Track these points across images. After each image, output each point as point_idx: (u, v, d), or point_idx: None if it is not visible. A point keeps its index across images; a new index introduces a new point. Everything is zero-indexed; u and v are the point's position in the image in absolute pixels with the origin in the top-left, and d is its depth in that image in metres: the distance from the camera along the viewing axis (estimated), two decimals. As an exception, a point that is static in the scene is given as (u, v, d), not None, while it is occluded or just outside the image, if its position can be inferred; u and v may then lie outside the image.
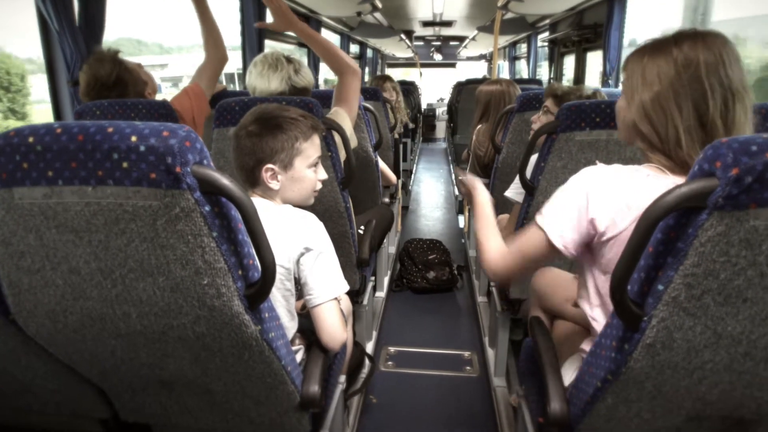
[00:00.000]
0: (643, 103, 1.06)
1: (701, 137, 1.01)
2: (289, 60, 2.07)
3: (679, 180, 1.01)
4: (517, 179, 2.04)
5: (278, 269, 1.32)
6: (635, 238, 0.83)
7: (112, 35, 2.36)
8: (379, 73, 11.50)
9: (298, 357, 1.42)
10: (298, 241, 1.34)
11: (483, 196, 1.45)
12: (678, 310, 0.84)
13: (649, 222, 0.81)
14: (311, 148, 1.46)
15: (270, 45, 4.59)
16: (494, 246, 1.27)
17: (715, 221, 0.77)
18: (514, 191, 2.14)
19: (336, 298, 1.38)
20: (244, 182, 1.44)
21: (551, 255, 1.14)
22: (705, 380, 0.94)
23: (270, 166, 1.41)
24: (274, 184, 1.42)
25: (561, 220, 1.10)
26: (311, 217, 1.41)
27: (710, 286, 0.81)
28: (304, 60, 5.83)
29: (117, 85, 2.09)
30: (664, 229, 0.83)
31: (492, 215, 1.40)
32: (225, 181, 0.84)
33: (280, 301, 1.37)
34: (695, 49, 1.00)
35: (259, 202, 1.42)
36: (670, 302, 0.84)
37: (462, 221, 4.78)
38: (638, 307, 0.88)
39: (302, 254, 1.35)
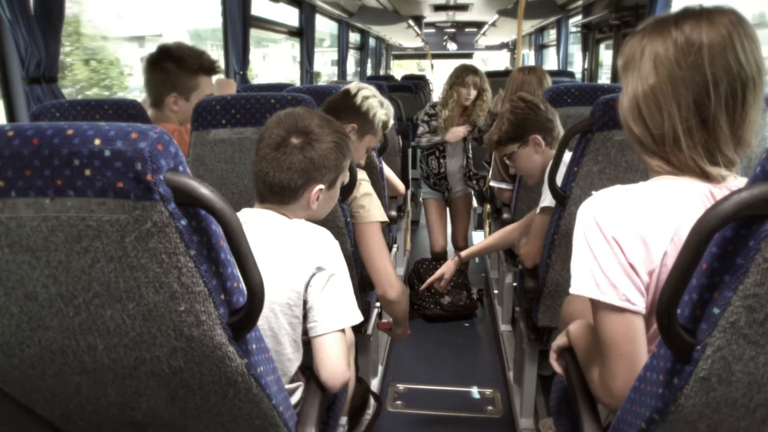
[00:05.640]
0: (636, 96, 1.03)
1: (703, 138, 0.99)
2: None
3: (693, 182, 1.01)
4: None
5: (288, 292, 1.33)
6: (685, 253, 0.82)
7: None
8: (383, 67, 11.46)
9: (297, 396, 1.41)
10: (310, 259, 1.35)
11: (570, 334, 1.31)
12: (737, 337, 0.83)
13: (702, 234, 0.79)
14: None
15: (255, 33, 4.62)
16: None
17: (781, 232, 0.75)
18: (551, 200, 2.10)
19: (342, 330, 1.38)
20: (271, 196, 1.44)
21: (642, 326, 1.03)
22: (770, 420, 0.93)
23: (321, 186, 1.43)
24: (315, 204, 1.45)
25: (613, 280, 1.00)
26: (326, 234, 1.42)
27: (776, 308, 0.80)
28: (297, 47, 5.91)
29: None
30: (720, 243, 0.81)
31: (584, 337, 1.25)
32: (204, 190, 0.84)
33: (286, 329, 1.37)
34: (698, 30, 0.95)
35: (269, 216, 1.43)
36: (728, 328, 0.82)
37: (482, 239, 4.77)
38: (690, 334, 0.87)
39: (313, 275, 1.35)
